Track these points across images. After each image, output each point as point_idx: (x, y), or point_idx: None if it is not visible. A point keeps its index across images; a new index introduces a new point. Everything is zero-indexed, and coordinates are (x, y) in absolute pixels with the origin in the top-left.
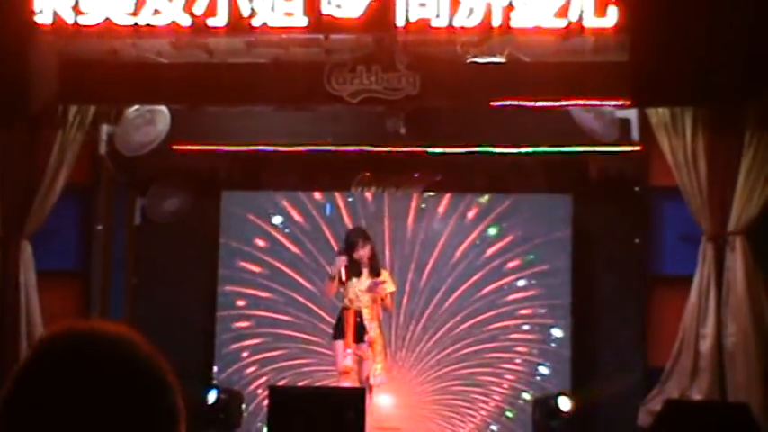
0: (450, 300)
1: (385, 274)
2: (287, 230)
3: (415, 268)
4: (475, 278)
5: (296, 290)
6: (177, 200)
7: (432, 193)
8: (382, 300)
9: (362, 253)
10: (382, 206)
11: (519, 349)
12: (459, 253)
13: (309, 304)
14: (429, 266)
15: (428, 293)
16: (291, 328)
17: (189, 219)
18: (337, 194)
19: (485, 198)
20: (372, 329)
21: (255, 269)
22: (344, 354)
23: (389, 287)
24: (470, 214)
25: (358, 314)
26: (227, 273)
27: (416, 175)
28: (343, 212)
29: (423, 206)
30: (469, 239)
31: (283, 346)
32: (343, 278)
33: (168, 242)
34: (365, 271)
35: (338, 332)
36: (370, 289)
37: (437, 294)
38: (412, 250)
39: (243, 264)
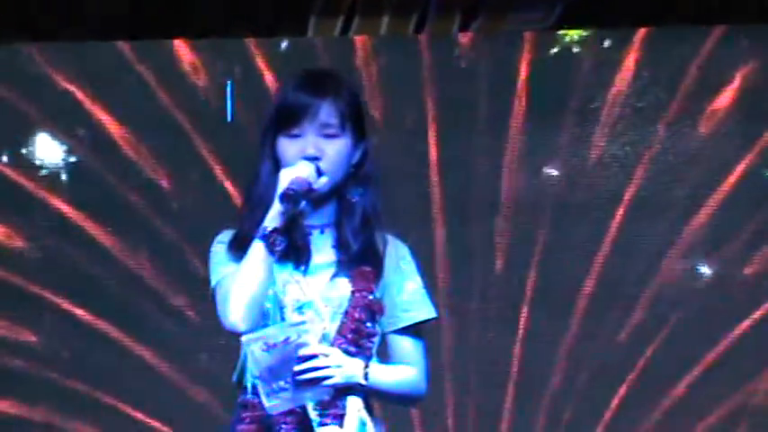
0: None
1: (399, 248)
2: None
3: (551, 240)
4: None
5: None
6: None
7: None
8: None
9: (312, 147)
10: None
11: None
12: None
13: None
14: (612, 234)
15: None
16: None
17: None
18: (252, 44)
19: None
20: None
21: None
22: None
23: (417, 312)
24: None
25: (299, 420)
26: None
27: None
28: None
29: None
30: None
31: None
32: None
33: None
34: (318, 233)
35: None
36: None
37: (617, 309)
38: (534, 191)
39: None
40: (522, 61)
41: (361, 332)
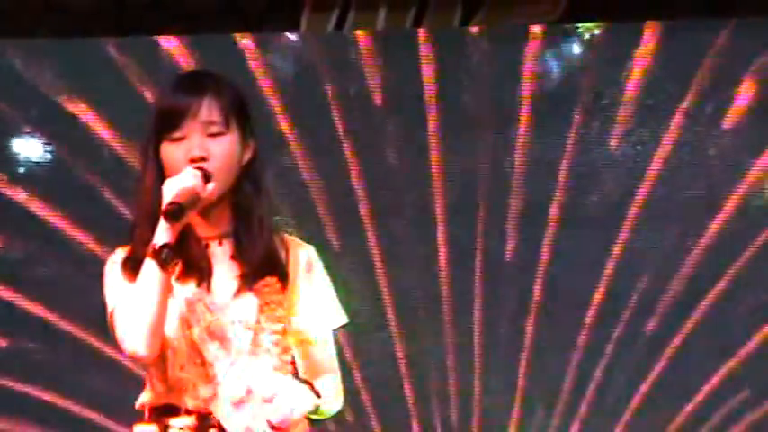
0: None
1: (303, 252)
2: None
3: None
4: None
5: None
6: None
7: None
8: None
9: (196, 150)
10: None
11: None
12: None
13: None
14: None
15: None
16: None
17: None
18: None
19: None
20: None
21: None
22: None
23: (329, 319)
24: None
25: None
26: None
27: None
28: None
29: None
30: None
31: None
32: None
33: None
34: (215, 244)
35: None
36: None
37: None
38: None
39: None
40: (528, 57)
41: (278, 346)
